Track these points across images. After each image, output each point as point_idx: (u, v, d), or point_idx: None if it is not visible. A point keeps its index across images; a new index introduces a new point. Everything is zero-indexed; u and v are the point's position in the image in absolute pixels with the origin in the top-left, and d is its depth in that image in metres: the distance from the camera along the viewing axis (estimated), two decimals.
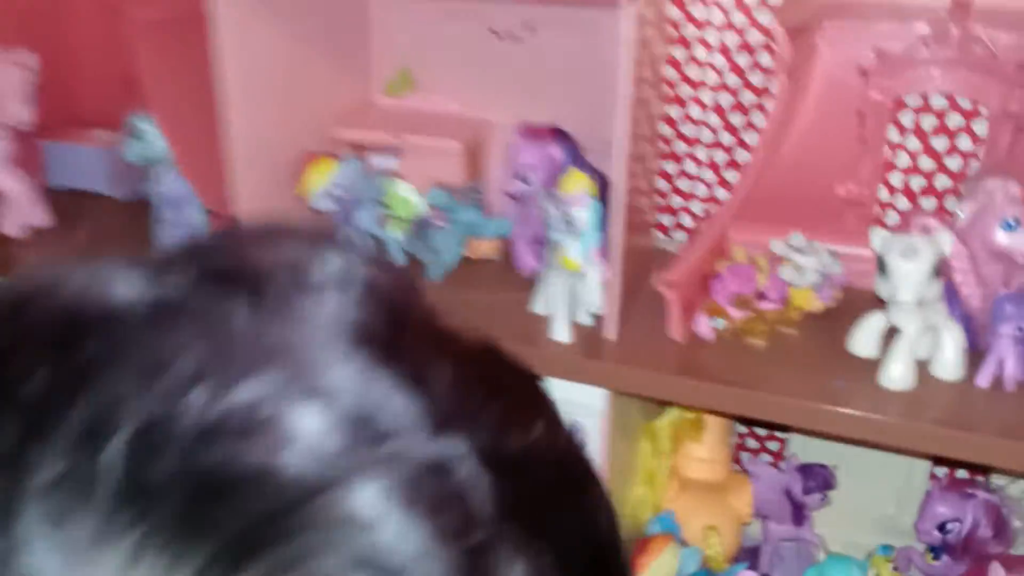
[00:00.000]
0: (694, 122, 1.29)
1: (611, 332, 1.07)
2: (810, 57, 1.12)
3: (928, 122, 1.16)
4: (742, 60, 1.23)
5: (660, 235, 1.35)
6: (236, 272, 0.29)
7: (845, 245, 1.15)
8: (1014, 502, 1.19)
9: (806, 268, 1.09)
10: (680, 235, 1.35)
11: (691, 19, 1.23)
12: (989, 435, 0.94)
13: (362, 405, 0.26)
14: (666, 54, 1.23)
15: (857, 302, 1.10)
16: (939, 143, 1.17)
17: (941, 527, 1.17)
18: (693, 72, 1.26)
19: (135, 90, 1.24)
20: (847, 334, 1.04)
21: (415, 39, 1.34)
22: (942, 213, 1.14)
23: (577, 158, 1.15)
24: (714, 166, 1.30)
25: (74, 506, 0.23)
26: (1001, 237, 0.95)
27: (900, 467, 1.25)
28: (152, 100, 1.22)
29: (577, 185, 1.01)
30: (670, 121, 1.29)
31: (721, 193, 1.31)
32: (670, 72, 1.26)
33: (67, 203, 1.43)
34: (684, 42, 1.24)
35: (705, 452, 1.24)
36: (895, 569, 1.24)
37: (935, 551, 1.19)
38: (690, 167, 1.31)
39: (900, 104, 1.15)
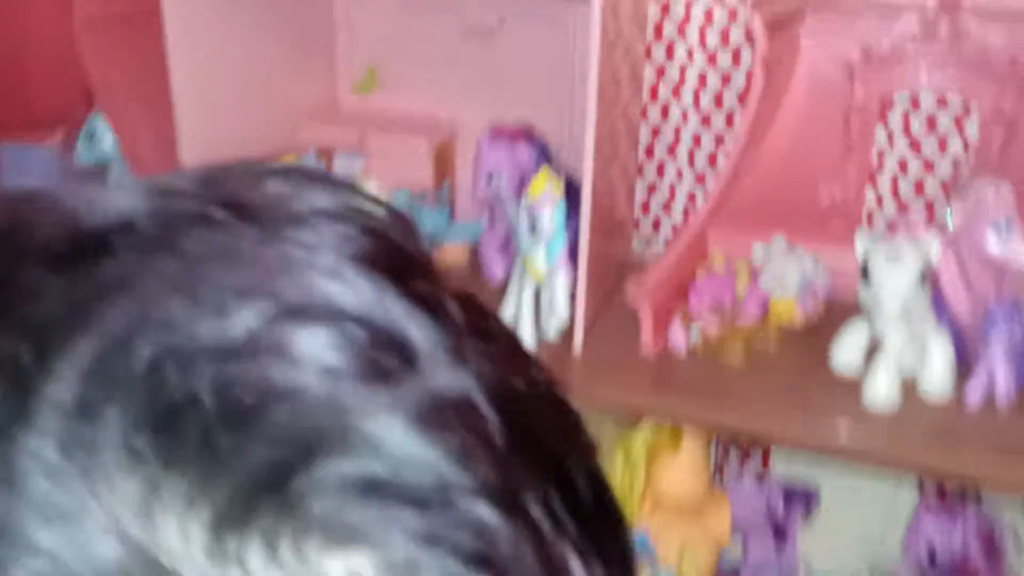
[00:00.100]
0: (674, 123, 1.23)
1: (578, 344, 1.01)
2: (793, 53, 1.07)
3: (916, 123, 1.10)
4: (724, 59, 1.17)
5: (638, 243, 1.29)
6: (236, 201, 0.28)
7: (830, 252, 1.09)
8: (1006, 523, 1.13)
9: (787, 275, 1.03)
10: (659, 241, 1.29)
11: (671, 16, 1.17)
12: (980, 455, 0.88)
13: (379, 328, 0.26)
14: (643, 53, 1.18)
15: (842, 312, 1.03)
16: (928, 145, 1.11)
17: (930, 549, 1.11)
18: (673, 71, 1.20)
19: (90, 89, 1.18)
20: (829, 347, 0.98)
21: (382, 36, 1.28)
22: (931, 218, 1.08)
23: (548, 159, 1.09)
24: (694, 169, 1.24)
25: (88, 432, 0.22)
26: (992, 243, 0.89)
27: (887, 485, 1.19)
28: (103, 98, 1.17)
29: (543, 186, 0.95)
30: (649, 123, 1.23)
31: (702, 197, 1.25)
32: (649, 72, 1.20)
33: None
34: (663, 41, 1.19)
35: (682, 467, 1.18)
36: None
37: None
38: (670, 170, 1.26)
39: (887, 104, 1.09)
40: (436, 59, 1.26)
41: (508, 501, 0.25)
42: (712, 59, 1.18)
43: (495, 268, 1.12)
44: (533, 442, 0.28)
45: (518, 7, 1.21)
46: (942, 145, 1.11)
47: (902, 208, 1.14)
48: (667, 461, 1.18)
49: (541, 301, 1.01)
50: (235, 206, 0.28)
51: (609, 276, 1.11)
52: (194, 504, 0.22)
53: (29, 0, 1.44)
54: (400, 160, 1.20)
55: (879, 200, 1.14)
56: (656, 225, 1.29)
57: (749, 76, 1.15)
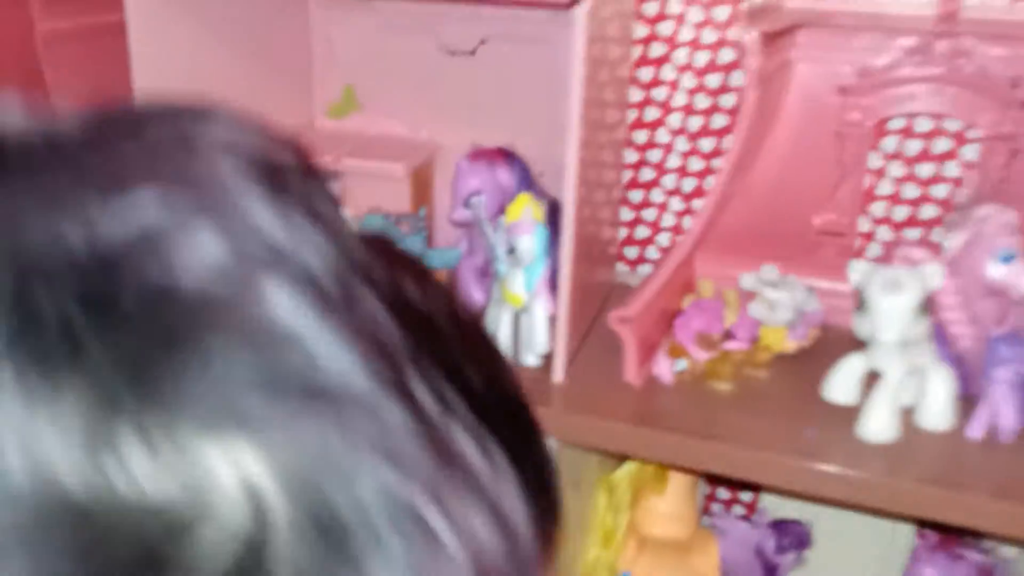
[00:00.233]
0: (661, 147, 1.18)
1: (559, 375, 0.96)
2: (784, 74, 1.02)
3: (912, 146, 1.06)
4: (713, 81, 1.13)
5: (624, 269, 1.24)
6: (122, 120, 0.29)
7: (822, 279, 1.05)
8: (1009, 566, 1.08)
9: (779, 304, 0.99)
10: (645, 269, 1.24)
11: (658, 38, 1.13)
12: (982, 495, 0.83)
13: (265, 229, 0.26)
14: (629, 75, 1.13)
15: (835, 342, 0.99)
16: (924, 169, 1.07)
17: None
18: (660, 94, 1.16)
19: (51, 107, 1.13)
20: (822, 378, 0.93)
21: (359, 56, 1.24)
22: (926, 244, 1.04)
23: (529, 183, 1.04)
24: (682, 194, 1.20)
25: None
26: (994, 270, 0.85)
27: (883, 524, 1.14)
28: None
29: (523, 210, 0.90)
30: (635, 146, 1.19)
31: (689, 223, 1.21)
32: (636, 94, 1.16)
33: None
34: (651, 62, 1.15)
35: (668, 506, 1.13)
36: None
37: None
38: (656, 195, 1.21)
39: (882, 126, 1.05)
40: (415, 80, 1.22)
41: (392, 382, 0.26)
42: (700, 82, 1.14)
43: (474, 294, 1.07)
44: (429, 348, 0.29)
45: (499, 27, 1.17)
46: (938, 169, 1.06)
47: (896, 234, 1.10)
48: (652, 500, 1.13)
49: (520, 328, 0.96)
50: (123, 123, 0.29)
51: (591, 304, 1.06)
52: (64, 400, 0.22)
53: None
54: (377, 184, 1.15)
55: (873, 226, 1.10)
56: (641, 253, 1.24)
57: (740, 97, 1.11)
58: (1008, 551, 1.10)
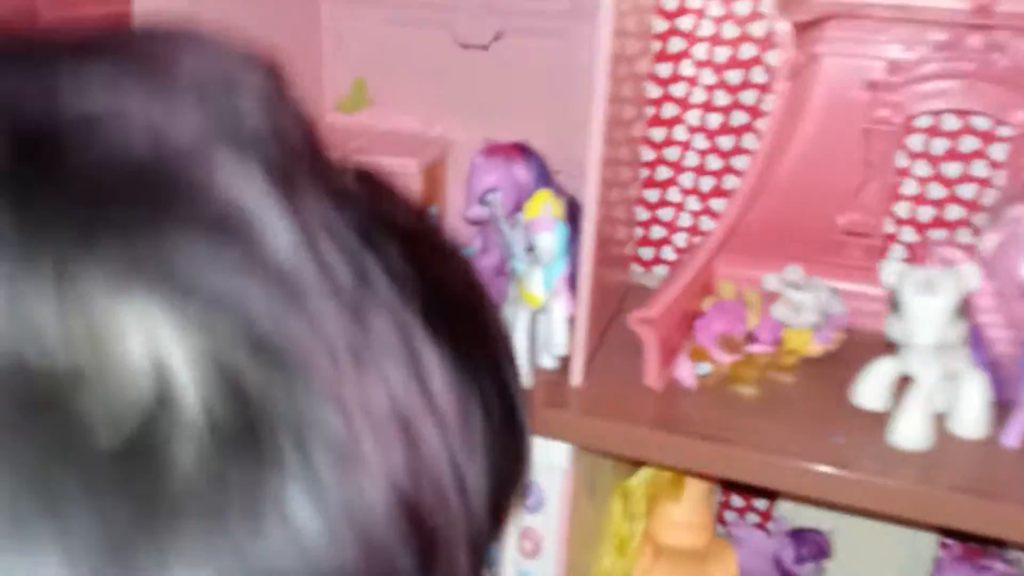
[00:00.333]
0: (679, 145, 1.16)
1: (577, 377, 0.92)
2: (811, 68, 0.99)
3: (941, 144, 1.03)
4: (733, 77, 1.10)
5: (639, 270, 1.21)
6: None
7: (846, 281, 1.02)
8: None
9: (803, 306, 0.96)
10: (661, 270, 1.21)
11: (678, 32, 1.10)
12: (1017, 505, 0.79)
13: (227, 110, 0.26)
14: (649, 71, 1.10)
15: (861, 346, 0.96)
16: (952, 168, 1.04)
17: None
18: (679, 90, 1.13)
19: None
20: (850, 382, 0.90)
21: (370, 50, 1.21)
22: (955, 245, 1.01)
23: (546, 179, 1.01)
24: (700, 194, 1.17)
25: None
26: None
27: (904, 533, 1.10)
28: None
29: (542, 207, 0.87)
30: (652, 144, 1.16)
31: (707, 224, 1.18)
32: (654, 90, 1.13)
33: None
34: (669, 57, 1.12)
35: (684, 514, 1.10)
36: None
37: None
38: (673, 195, 1.18)
39: (909, 123, 1.02)
40: (427, 75, 1.19)
41: (327, 267, 0.26)
42: (720, 78, 1.11)
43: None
44: (395, 256, 0.29)
45: (516, 21, 1.14)
46: (965, 169, 1.04)
47: (920, 235, 1.07)
48: (668, 508, 1.10)
49: (537, 329, 0.93)
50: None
51: (608, 305, 1.03)
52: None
53: None
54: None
55: (896, 227, 1.07)
56: (656, 253, 1.21)
57: (761, 94, 1.08)
58: None
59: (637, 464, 1.09)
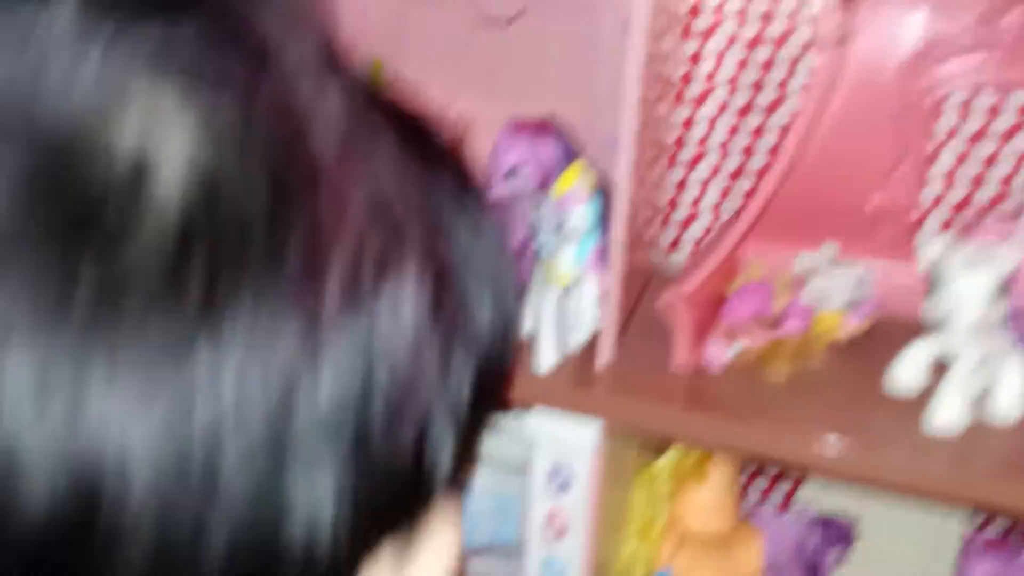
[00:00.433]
0: (704, 124, 1.14)
1: (606, 356, 0.91)
2: (844, 44, 0.97)
3: (975, 122, 1.01)
4: (761, 54, 1.08)
5: (659, 253, 1.19)
6: None
7: (877, 262, 1.00)
8: None
9: (835, 287, 0.94)
10: (682, 253, 1.20)
11: (705, 9, 1.08)
12: None
13: None
14: (676, 49, 1.08)
15: (891, 329, 0.94)
16: (986, 146, 1.02)
17: None
18: (705, 67, 1.11)
19: None
20: (882, 364, 0.88)
21: (389, 26, 1.19)
22: (1004, 224, 0.99)
23: (572, 157, 0.99)
24: (725, 174, 1.15)
25: None
26: None
27: (931, 519, 1.09)
28: None
29: (575, 181, 0.85)
30: (677, 123, 1.14)
31: (731, 205, 1.16)
32: (679, 68, 1.11)
33: None
34: (696, 34, 1.10)
35: (709, 499, 1.08)
36: None
37: None
38: (697, 175, 1.16)
39: (944, 101, 1.00)
40: (448, 51, 1.16)
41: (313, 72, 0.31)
42: (748, 55, 1.09)
43: None
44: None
45: None
46: (999, 147, 1.02)
47: (951, 215, 1.05)
48: (692, 493, 1.08)
49: (565, 309, 0.91)
50: None
51: (635, 286, 1.01)
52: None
53: None
54: None
55: (932, 206, 1.05)
56: (679, 235, 1.19)
57: (790, 69, 1.07)
58: None
59: (660, 451, 1.08)
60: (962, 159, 1.03)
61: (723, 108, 1.12)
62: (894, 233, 1.01)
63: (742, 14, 1.07)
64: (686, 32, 1.09)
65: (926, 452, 0.80)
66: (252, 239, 0.27)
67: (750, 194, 1.13)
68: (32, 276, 0.25)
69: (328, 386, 0.28)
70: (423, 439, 0.31)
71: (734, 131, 1.13)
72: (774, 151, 1.11)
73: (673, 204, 1.18)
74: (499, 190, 0.98)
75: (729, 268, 1.01)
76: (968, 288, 0.77)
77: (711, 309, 0.95)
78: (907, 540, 1.10)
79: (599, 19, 1.08)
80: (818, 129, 0.99)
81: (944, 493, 0.81)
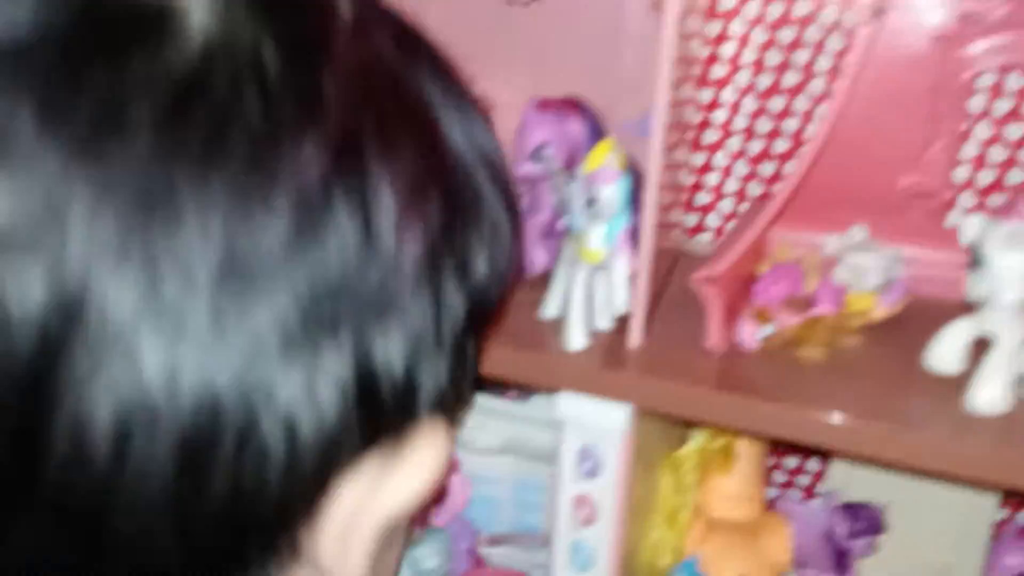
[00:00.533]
0: (727, 107, 1.12)
1: (636, 338, 0.89)
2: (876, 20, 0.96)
3: (1008, 101, 0.99)
4: (786, 35, 1.07)
5: (682, 236, 1.18)
6: None
7: (907, 245, 0.98)
8: None
9: (868, 268, 0.92)
10: (705, 236, 1.18)
11: None
12: None
13: None
14: (699, 30, 1.07)
15: (924, 312, 0.93)
16: (1014, 130, 1.00)
17: None
18: (729, 49, 1.09)
19: None
20: (918, 347, 0.86)
21: (409, 5, 1.17)
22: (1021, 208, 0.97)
23: (600, 136, 0.98)
24: (748, 158, 1.13)
25: None
26: None
27: (960, 505, 1.07)
28: None
29: (605, 157, 0.83)
30: (699, 106, 1.12)
31: (754, 189, 1.14)
32: (702, 50, 1.09)
33: None
34: (720, 15, 1.08)
35: (736, 487, 1.06)
36: None
37: None
38: (720, 159, 1.15)
39: (977, 79, 0.98)
40: (470, 31, 1.14)
41: None
42: (772, 37, 1.07)
43: (536, 257, 1.00)
44: None
45: None
46: None
47: (979, 199, 1.03)
48: (719, 480, 1.06)
49: (595, 288, 0.89)
50: None
51: (661, 268, 0.99)
52: None
53: None
54: None
55: (962, 188, 1.03)
56: (701, 220, 1.18)
57: (816, 51, 1.05)
58: None
59: (687, 435, 1.06)
60: (993, 141, 1.01)
61: (747, 91, 1.10)
62: (925, 215, 0.99)
63: None
64: (710, 12, 1.07)
65: (968, 432, 0.78)
66: (265, 94, 0.28)
67: (774, 178, 1.12)
68: (42, 81, 0.25)
69: (322, 266, 0.29)
70: (410, 354, 0.31)
71: (758, 114, 1.11)
72: (798, 135, 1.09)
73: (696, 188, 1.16)
74: (525, 169, 0.96)
75: (756, 250, 0.99)
76: (1011, 266, 0.75)
77: (741, 291, 0.94)
78: (936, 528, 1.08)
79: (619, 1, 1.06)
80: (849, 107, 0.97)
81: (985, 474, 0.79)
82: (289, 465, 0.29)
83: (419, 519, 1.09)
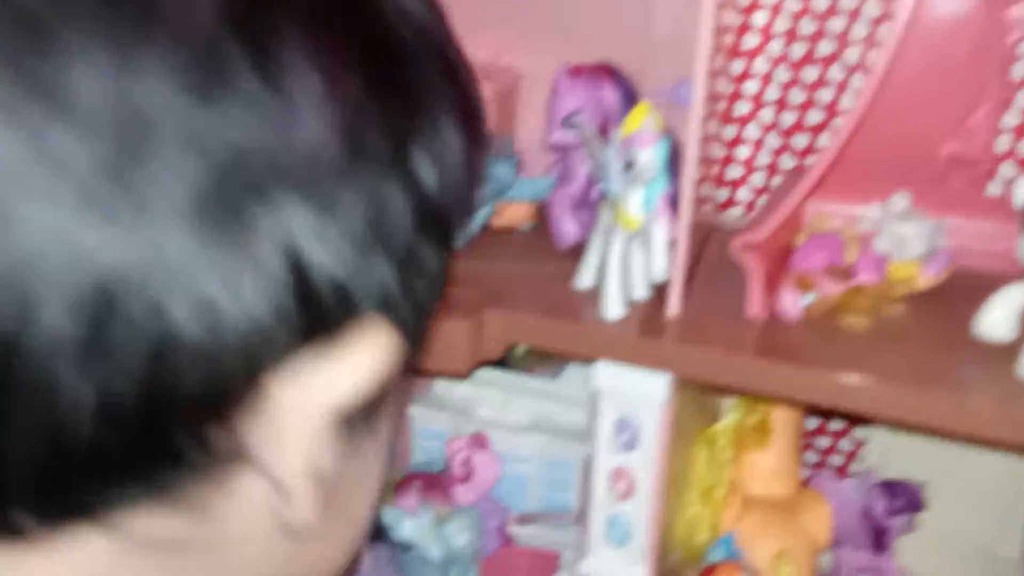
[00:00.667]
0: (758, 78, 1.09)
1: (674, 306, 0.86)
2: None
3: None
4: (820, 3, 1.04)
5: (714, 209, 1.15)
6: None
7: (949, 215, 0.96)
8: None
9: (910, 237, 0.90)
10: (736, 211, 1.16)
11: None
12: None
13: None
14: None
15: (968, 282, 0.90)
16: None
17: None
18: (760, 18, 1.07)
19: None
20: (966, 317, 0.84)
21: None
22: None
23: (633, 100, 0.95)
24: (780, 130, 1.11)
25: None
26: None
27: (1001, 482, 1.04)
28: None
29: (643, 119, 0.81)
30: (730, 77, 1.10)
31: (786, 162, 1.12)
32: (733, 19, 1.07)
33: None
34: None
35: (772, 463, 1.04)
36: None
37: None
38: (751, 131, 1.12)
39: (1021, 43, 0.96)
40: (497, 1, 1.12)
41: None
42: (806, 5, 1.05)
43: (568, 226, 0.98)
44: None
45: None
46: None
47: (1020, 169, 1.00)
48: (755, 457, 1.04)
49: (631, 256, 0.87)
50: None
51: (697, 238, 0.97)
52: None
53: None
54: None
55: (1004, 156, 1.00)
56: (731, 194, 1.15)
57: (850, 18, 1.03)
58: None
59: (719, 414, 1.04)
60: None
61: (779, 61, 1.08)
62: (966, 184, 0.97)
63: None
64: None
65: (1020, 399, 0.76)
66: None
67: (807, 151, 1.10)
68: None
69: (231, 129, 0.27)
70: (341, 247, 0.30)
71: (791, 85, 1.09)
72: (832, 106, 1.07)
73: (727, 161, 1.14)
74: (557, 136, 0.94)
75: (793, 222, 0.97)
76: None
77: (778, 262, 0.91)
78: (978, 505, 1.06)
79: None
80: (888, 74, 0.95)
81: None
82: (207, 353, 0.28)
83: (394, 443, 1.07)
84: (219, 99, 0.27)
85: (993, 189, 0.99)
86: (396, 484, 1.10)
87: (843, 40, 1.04)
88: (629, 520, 0.90)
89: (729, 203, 1.16)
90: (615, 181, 0.84)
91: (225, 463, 0.31)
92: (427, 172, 0.33)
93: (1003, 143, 1.00)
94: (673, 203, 0.84)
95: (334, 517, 0.38)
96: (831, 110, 1.08)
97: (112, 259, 0.26)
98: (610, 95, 0.94)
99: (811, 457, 1.20)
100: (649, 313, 0.87)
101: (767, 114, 1.11)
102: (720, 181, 1.15)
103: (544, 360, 1.15)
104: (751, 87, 1.10)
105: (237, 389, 0.29)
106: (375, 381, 0.33)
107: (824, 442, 1.19)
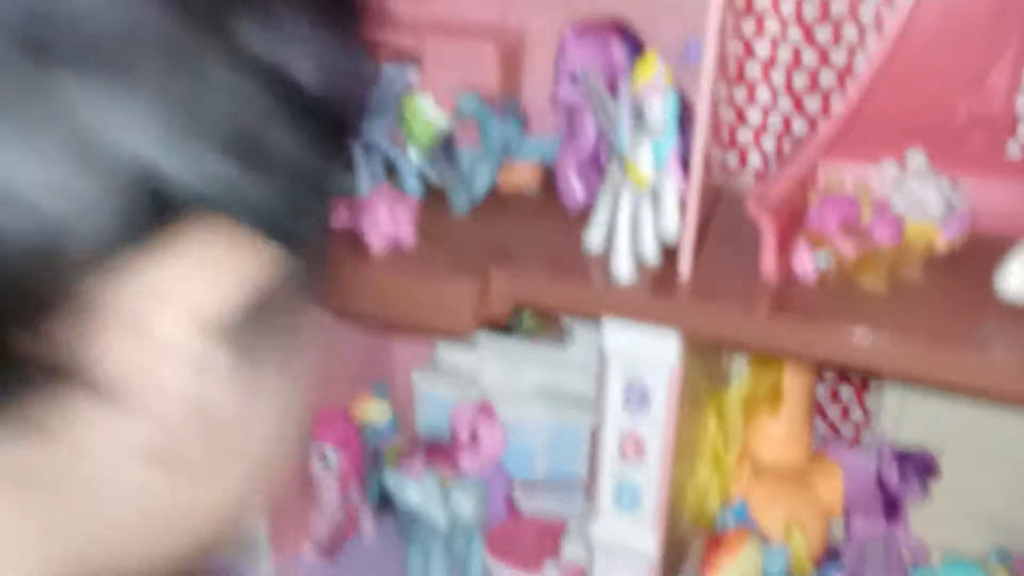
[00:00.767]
0: (770, 38, 1.07)
1: (685, 266, 0.84)
2: None
3: None
4: None
5: (724, 173, 1.13)
6: None
7: (967, 175, 0.93)
8: None
9: (928, 197, 0.87)
10: (746, 174, 1.13)
11: None
12: None
13: None
14: None
15: (988, 245, 0.88)
16: None
17: None
18: None
19: None
20: (985, 276, 0.82)
21: None
22: None
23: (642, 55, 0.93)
24: (792, 92, 1.08)
25: None
26: None
27: (1016, 450, 1.02)
28: None
29: (654, 70, 0.79)
30: (740, 38, 1.07)
31: (798, 125, 1.09)
32: None
33: None
34: None
35: (783, 429, 1.02)
36: None
37: None
38: (763, 94, 1.10)
39: None
40: None
41: None
42: None
43: (574, 188, 0.96)
44: None
45: None
46: None
47: None
48: (766, 422, 1.02)
49: (641, 214, 0.85)
50: None
51: (707, 199, 0.95)
52: None
53: None
54: (462, 69, 1.04)
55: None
56: (742, 158, 1.13)
57: None
58: None
59: (729, 379, 1.02)
60: None
61: (791, 21, 1.05)
62: (986, 144, 0.94)
63: None
64: None
65: None
66: None
67: (819, 114, 1.07)
68: None
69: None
70: (166, 139, 0.26)
71: (803, 46, 1.06)
72: (847, 68, 1.05)
73: (738, 121, 1.12)
74: (565, 93, 0.92)
75: (806, 183, 0.95)
76: None
77: (792, 223, 0.89)
78: (992, 473, 1.04)
79: None
80: (907, 28, 0.92)
81: None
82: (13, 247, 0.25)
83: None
84: None
85: (1014, 150, 0.97)
86: (400, 450, 1.08)
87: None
88: (638, 485, 0.88)
89: (740, 166, 1.13)
90: (625, 136, 0.81)
91: (54, 378, 0.28)
92: (265, 49, 0.29)
93: (1022, 104, 0.97)
94: (684, 163, 0.82)
95: (222, 454, 0.34)
96: (845, 72, 1.05)
97: None
98: (618, 51, 0.92)
99: (823, 426, 1.18)
100: (660, 274, 0.85)
101: (778, 76, 1.08)
102: (731, 144, 1.12)
103: (550, 328, 1.12)
104: (762, 48, 1.08)
105: (40, 292, 0.26)
106: (234, 289, 0.30)
107: (836, 410, 1.17)
